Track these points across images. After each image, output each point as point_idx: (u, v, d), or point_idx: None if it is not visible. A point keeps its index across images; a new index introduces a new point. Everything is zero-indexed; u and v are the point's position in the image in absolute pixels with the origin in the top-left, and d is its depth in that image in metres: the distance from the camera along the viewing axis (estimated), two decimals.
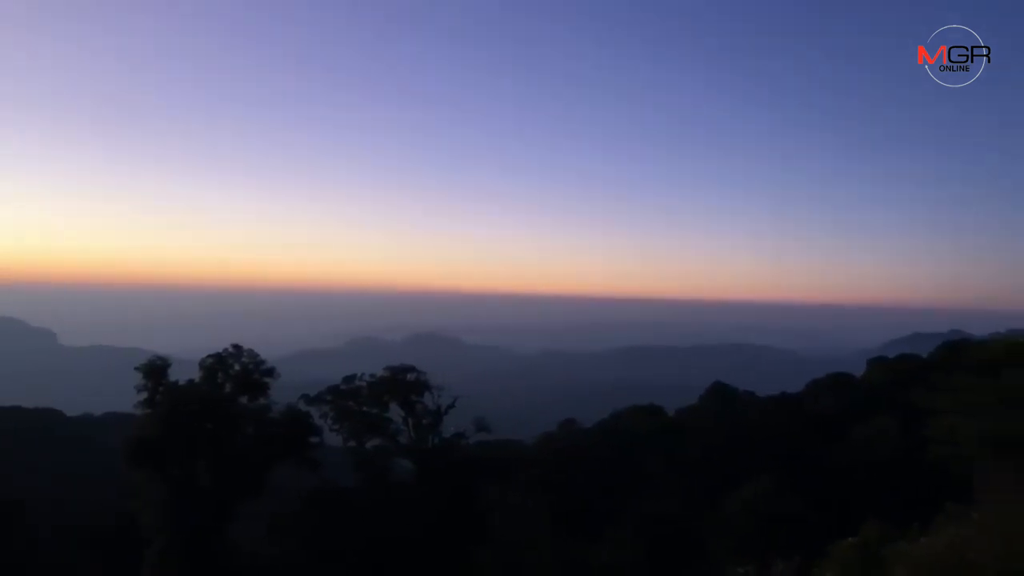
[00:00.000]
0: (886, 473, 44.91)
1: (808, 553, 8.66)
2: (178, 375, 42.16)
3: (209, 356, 43.14)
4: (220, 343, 44.23)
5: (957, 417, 25.87)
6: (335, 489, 44.41)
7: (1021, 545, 7.32)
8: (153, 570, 37.51)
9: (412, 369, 48.51)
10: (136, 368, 41.30)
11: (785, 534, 28.61)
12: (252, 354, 43.56)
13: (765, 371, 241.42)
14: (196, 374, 42.57)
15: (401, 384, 47.52)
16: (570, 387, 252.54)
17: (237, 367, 42.86)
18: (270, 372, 43.64)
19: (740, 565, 7.77)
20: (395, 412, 47.16)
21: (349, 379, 48.13)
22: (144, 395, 40.65)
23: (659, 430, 59.06)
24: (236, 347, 43.46)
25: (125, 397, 44.48)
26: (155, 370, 41.00)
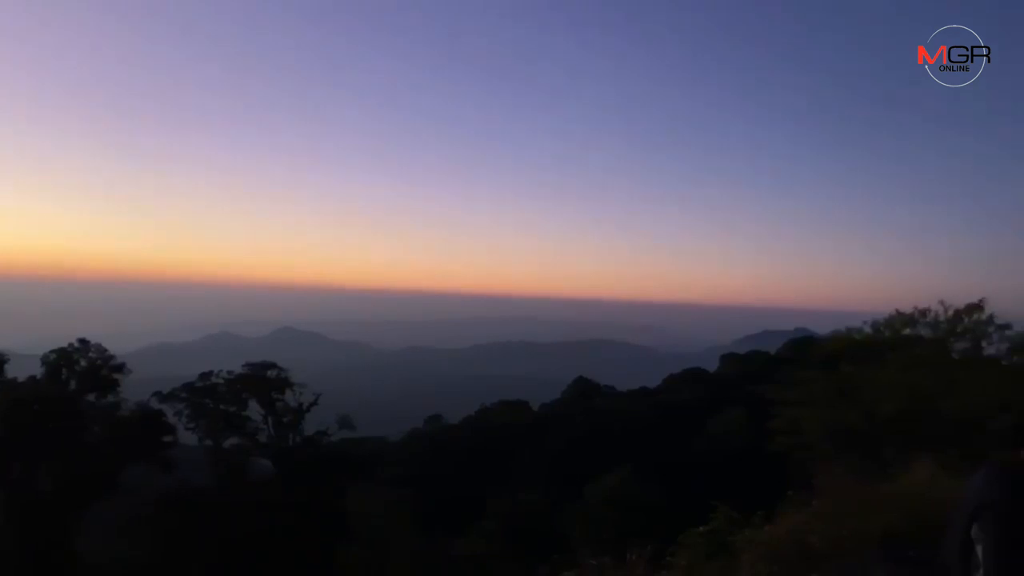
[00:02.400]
0: (737, 463, 47.24)
1: (662, 541, 8.97)
2: (17, 372, 39.43)
3: (52, 351, 40.45)
4: (65, 338, 41.70)
5: (800, 409, 27.53)
6: (190, 489, 42.68)
7: (853, 528, 7.89)
8: None
9: (273, 365, 47.26)
10: None
11: (642, 523, 29.67)
12: (100, 349, 41.20)
13: (625, 367, 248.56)
14: (38, 371, 39.96)
15: (261, 381, 46.20)
16: (436, 383, 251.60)
17: (83, 363, 40.39)
18: (120, 368, 41.38)
19: (598, 555, 7.98)
20: (255, 410, 45.91)
21: (206, 375, 46.36)
22: None
23: (524, 424, 60.00)
24: (83, 341, 41.02)
25: None
26: None
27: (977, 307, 27.04)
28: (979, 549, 3.33)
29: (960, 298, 27.77)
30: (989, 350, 27.67)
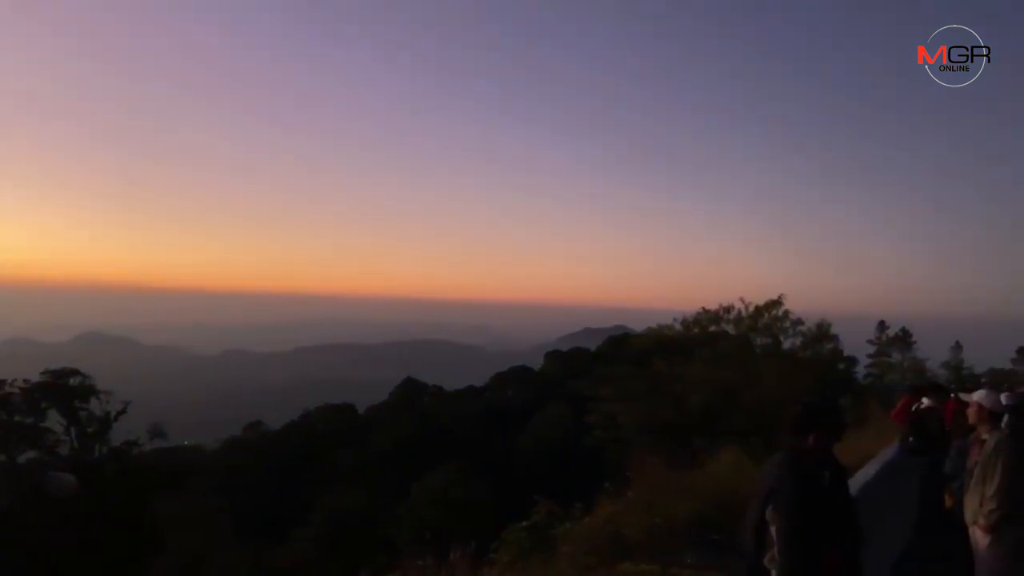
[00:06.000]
0: (559, 457, 48.68)
1: (487, 538, 9.06)
2: None
3: None
4: None
5: (615, 404, 28.74)
6: None
7: (665, 516, 8.31)
8: None
9: (75, 372, 44.10)
10: None
11: (467, 521, 29.92)
12: None
13: (453, 366, 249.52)
14: None
15: (62, 389, 42.96)
16: (256, 388, 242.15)
17: None
18: None
19: (422, 555, 7.95)
20: (55, 421, 42.64)
21: None
22: None
23: (349, 427, 59.10)
24: None
25: None
26: None
27: (775, 303, 29.26)
28: (772, 530, 3.60)
29: (767, 295, 30.03)
30: (786, 344, 30.04)
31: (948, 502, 7.03)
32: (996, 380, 43.72)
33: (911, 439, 10.42)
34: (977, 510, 5.58)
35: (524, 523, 8.96)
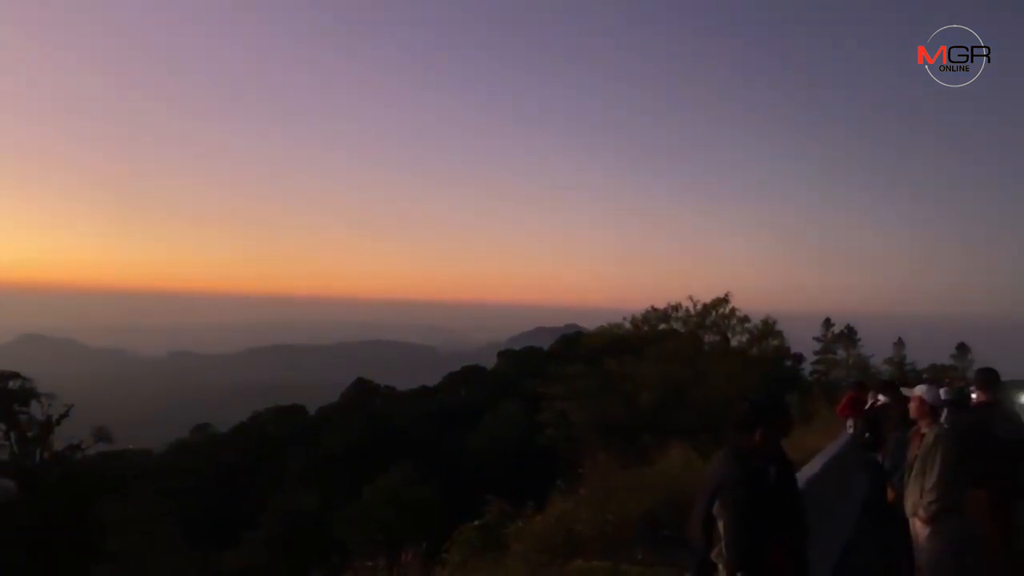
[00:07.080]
0: (512, 456, 48.72)
1: (439, 538, 9.06)
2: None
3: None
4: None
5: (568, 402, 28.93)
6: None
7: (616, 513, 8.37)
8: None
9: (15, 375, 42.91)
10: None
11: (419, 521, 29.82)
12: None
13: (405, 367, 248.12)
14: None
15: (1, 393, 41.80)
16: (204, 391, 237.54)
17: None
18: None
19: (373, 556, 7.91)
20: None
21: None
22: None
23: (300, 429, 58.45)
24: None
25: None
26: None
27: (722, 301, 29.75)
28: (720, 524, 3.65)
29: (718, 293, 30.50)
30: (734, 341, 30.56)
31: (890, 495, 7.21)
32: (937, 375, 45.08)
33: (867, 435, 10.70)
34: (917, 502, 5.73)
35: (476, 522, 8.99)
